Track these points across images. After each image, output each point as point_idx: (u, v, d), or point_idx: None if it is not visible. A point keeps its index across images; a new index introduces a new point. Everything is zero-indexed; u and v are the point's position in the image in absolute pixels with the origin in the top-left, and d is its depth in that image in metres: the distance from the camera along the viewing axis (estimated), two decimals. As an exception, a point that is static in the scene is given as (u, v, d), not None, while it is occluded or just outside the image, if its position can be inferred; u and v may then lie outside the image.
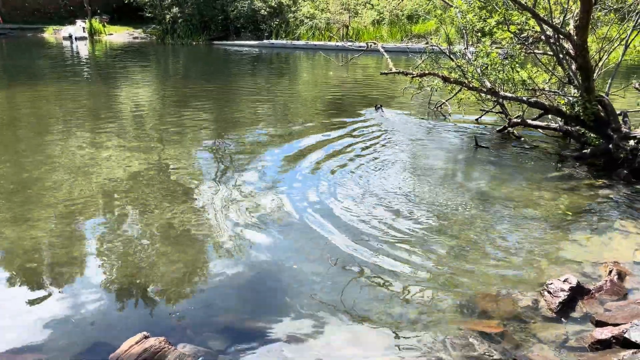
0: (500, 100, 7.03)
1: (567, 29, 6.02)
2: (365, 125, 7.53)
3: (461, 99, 7.68)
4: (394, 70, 6.40)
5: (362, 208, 4.33)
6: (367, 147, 6.22)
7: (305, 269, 3.39)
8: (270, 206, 4.32)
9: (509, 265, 3.50)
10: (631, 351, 2.43)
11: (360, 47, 17.48)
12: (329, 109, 8.60)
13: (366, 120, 8.01)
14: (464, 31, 7.48)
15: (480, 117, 7.82)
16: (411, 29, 21.39)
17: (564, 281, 3.09)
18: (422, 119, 8.04)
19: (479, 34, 7.52)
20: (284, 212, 4.21)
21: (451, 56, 7.30)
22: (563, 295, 3.01)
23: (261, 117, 7.80)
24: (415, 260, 3.55)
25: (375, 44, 8.13)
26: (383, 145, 6.36)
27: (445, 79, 6.29)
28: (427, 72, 6.41)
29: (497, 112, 7.61)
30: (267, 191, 4.64)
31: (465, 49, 7.28)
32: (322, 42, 22.17)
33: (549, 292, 3.08)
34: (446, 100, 8.29)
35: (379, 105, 9.11)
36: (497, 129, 7.11)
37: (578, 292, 3.08)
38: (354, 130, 7.18)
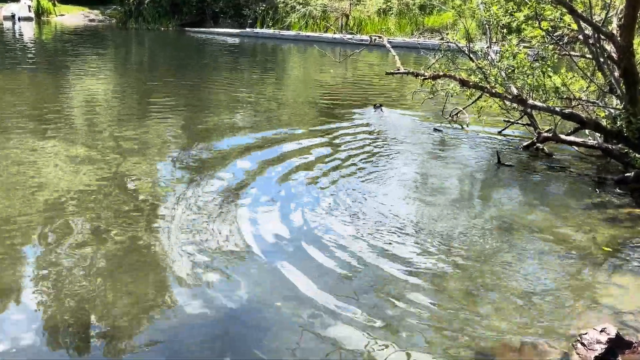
0: (529, 110, 7.11)
1: (610, 28, 6.13)
2: (361, 130, 7.71)
3: (482, 107, 7.75)
4: (402, 70, 6.49)
5: (357, 236, 4.33)
6: (362, 159, 6.31)
7: (288, 308, 3.37)
8: (246, 231, 4.31)
9: (535, 310, 3.50)
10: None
11: (362, 40, 17.65)
12: (321, 114, 8.70)
13: (363, 123, 8.12)
14: (486, 26, 7.59)
15: (504, 130, 7.90)
16: (423, 21, 21.72)
17: (601, 331, 3.09)
18: (433, 125, 8.13)
19: (505, 31, 7.63)
20: (262, 238, 4.20)
21: (471, 56, 7.39)
22: (600, 349, 3.01)
23: (240, 122, 7.86)
24: (421, 301, 3.53)
25: (380, 37, 8.22)
26: (382, 157, 6.44)
27: (464, 83, 6.36)
28: (441, 73, 6.47)
29: (524, 125, 7.69)
30: (243, 212, 4.66)
31: (487, 47, 7.38)
32: (316, 34, 22.39)
33: (583, 344, 3.08)
34: (463, 108, 8.37)
35: (378, 105, 9.18)
36: (524, 144, 7.17)
37: (617, 345, 3.07)
38: (348, 135, 7.33)
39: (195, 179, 5.39)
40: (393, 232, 4.43)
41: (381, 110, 9.10)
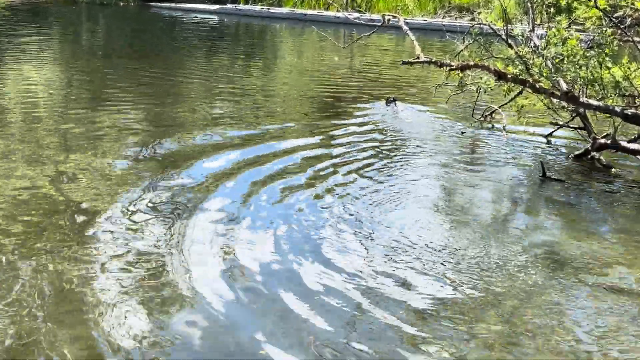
0: (581, 110, 7.10)
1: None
2: (369, 129, 7.90)
3: (522, 106, 7.75)
4: (422, 58, 6.47)
5: (364, 266, 4.29)
6: (370, 167, 6.35)
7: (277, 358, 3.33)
8: (222, 257, 4.27)
9: (589, 364, 3.52)
10: None
11: (372, 21, 17.71)
12: (320, 109, 8.84)
13: (371, 121, 8.16)
14: (528, 4, 7.62)
15: (550, 134, 7.91)
16: (450, -4, 21.91)
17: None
18: (459, 125, 8.15)
19: (552, 10, 7.66)
20: (242, 268, 4.15)
21: (509, 41, 7.41)
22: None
23: (217, 116, 7.98)
24: (448, 349, 3.50)
25: (395, 17, 8.23)
26: (396, 166, 6.48)
27: (500, 75, 6.37)
28: (472, 63, 6.48)
29: (575, 128, 7.70)
30: (217, 230, 4.65)
31: (530, 31, 7.41)
32: (315, 12, 22.51)
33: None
34: (500, 107, 8.37)
35: (391, 99, 9.29)
36: (576, 152, 7.15)
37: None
38: (353, 135, 7.49)
39: (155, 182, 5.44)
40: (411, 263, 4.38)
41: (395, 105, 9.11)
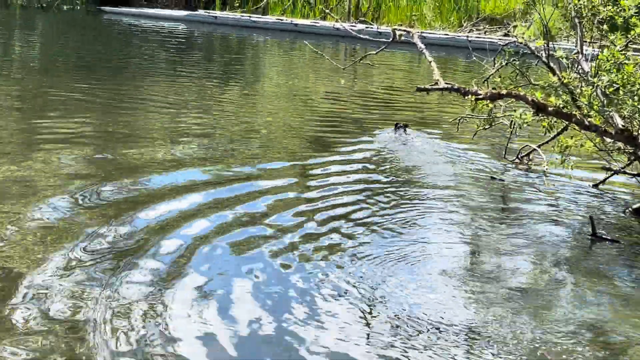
0: (641, 152, 7.10)
1: None
2: (369, 164, 8.03)
3: (567, 146, 7.74)
4: (442, 84, 6.47)
5: (360, 355, 4.22)
6: (371, 217, 6.38)
7: None
8: (187, 330, 4.24)
9: None
10: None
11: (380, 34, 17.88)
12: (311, 144, 9.16)
13: (378, 150, 8.17)
14: (576, 20, 7.67)
15: (602, 182, 7.85)
16: (478, 6, 22.08)
17: None
18: (488, 166, 8.11)
19: (604, 27, 7.72)
20: (210, 347, 4.12)
21: (551, 64, 7.45)
22: None
23: (180, 155, 8.07)
24: None
25: (408, 32, 8.27)
26: (403, 216, 6.48)
27: (540, 107, 6.37)
28: (504, 91, 6.50)
29: (634, 175, 7.72)
30: (180, 295, 4.63)
31: (577, 52, 7.44)
32: (309, 22, 22.73)
33: None
34: (539, 146, 8.38)
35: (400, 125, 9.50)
36: (634, 205, 7.13)
37: None
38: (347, 175, 7.62)
39: (94, 235, 5.45)
40: (424, 350, 4.30)
41: (405, 132, 9.13)
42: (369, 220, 6.30)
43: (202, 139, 8.85)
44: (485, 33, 19.68)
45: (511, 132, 8.57)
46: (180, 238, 5.58)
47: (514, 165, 8.44)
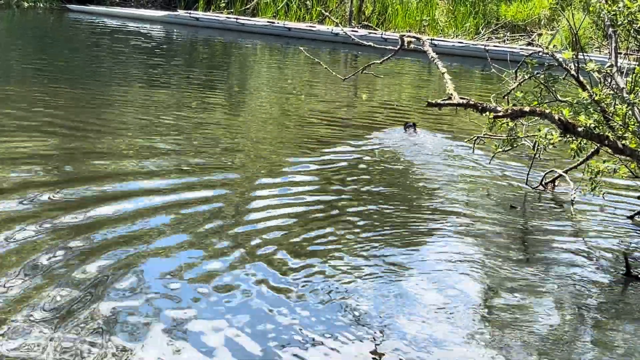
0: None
1: None
2: (377, 166, 7.71)
3: (599, 172, 7.73)
4: (456, 99, 6.48)
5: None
6: (373, 239, 6.44)
7: None
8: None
9: None
10: None
11: (386, 41, 17.93)
12: (303, 154, 8.82)
13: (382, 150, 8.05)
14: (610, 29, 7.70)
15: (638, 214, 7.88)
16: (496, 11, 22.12)
17: None
18: (506, 188, 8.22)
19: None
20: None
21: (580, 78, 7.47)
22: None
23: (156, 166, 8.10)
24: None
25: (418, 39, 8.30)
26: (412, 249, 6.49)
27: (567, 127, 6.39)
28: (527, 108, 6.51)
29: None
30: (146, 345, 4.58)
31: (610, 66, 7.45)
32: (305, 25, 22.78)
33: None
34: (566, 171, 8.38)
35: (410, 124, 9.76)
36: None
37: None
38: (353, 183, 7.76)
39: (54, 246, 5.54)
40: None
41: (414, 131, 9.17)
42: (372, 253, 6.26)
43: (176, 155, 8.80)
44: (505, 42, 19.71)
45: (534, 155, 8.57)
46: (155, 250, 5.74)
47: (537, 193, 8.44)
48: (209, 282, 5.46)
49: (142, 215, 6.61)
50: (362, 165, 8.65)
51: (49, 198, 6.89)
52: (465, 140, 10.07)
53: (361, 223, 6.90)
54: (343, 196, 7.70)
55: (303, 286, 5.48)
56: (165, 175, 7.91)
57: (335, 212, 7.22)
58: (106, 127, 9.80)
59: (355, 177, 8.22)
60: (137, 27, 21.13)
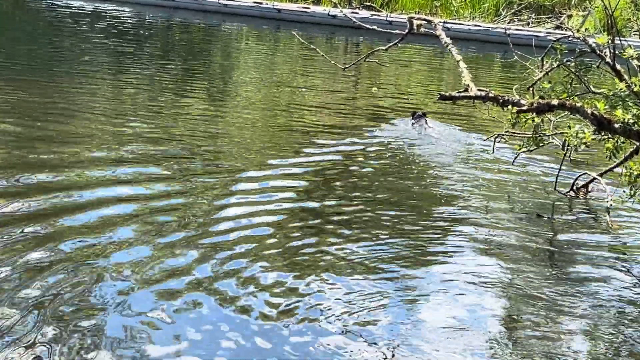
0: None
1: None
2: (380, 167, 7.76)
3: (638, 175, 7.71)
4: (473, 91, 6.50)
5: None
6: (383, 256, 6.45)
7: None
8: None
9: None
10: None
11: (392, 24, 17.89)
12: (299, 145, 8.80)
13: (387, 148, 8.07)
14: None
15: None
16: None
17: None
18: (532, 193, 8.22)
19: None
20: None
21: (617, 67, 7.47)
22: None
23: (126, 166, 8.19)
24: None
25: (429, 22, 8.30)
26: (427, 263, 6.53)
27: (602, 123, 6.39)
28: (555, 101, 6.52)
29: None
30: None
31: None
32: (297, 6, 22.77)
33: None
34: (600, 175, 8.38)
35: (419, 114, 9.92)
36: None
37: None
38: (352, 187, 7.66)
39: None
40: None
41: (425, 122, 9.22)
42: (377, 269, 6.28)
43: (146, 160, 8.84)
44: (529, 25, 19.74)
45: (564, 155, 8.57)
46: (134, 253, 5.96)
47: (567, 199, 8.43)
48: (172, 300, 5.52)
49: (105, 224, 6.68)
50: (362, 166, 8.63)
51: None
52: (484, 137, 10.07)
53: (362, 235, 6.91)
54: (340, 202, 7.69)
55: (293, 309, 5.50)
56: (133, 180, 7.97)
57: (331, 221, 7.21)
58: (67, 131, 9.75)
59: (354, 180, 8.21)
60: (103, 9, 21.13)
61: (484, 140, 9.84)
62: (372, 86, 13.98)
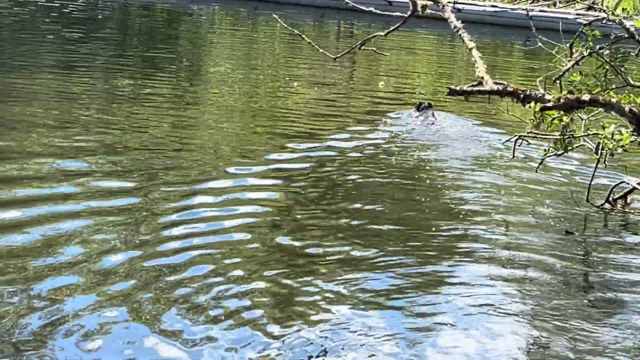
0: None
1: None
2: (379, 170, 7.72)
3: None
4: (489, 85, 6.44)
5: None
6: (387, 278, 6.59)
7: None
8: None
9: None
10: None
11: (392, 4, 17.91)
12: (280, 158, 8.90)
13: (387, 146, 8.04)
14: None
15: None
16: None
17: None
18: (560, 205, 8.23)
19: None
20: None
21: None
22: None
23: (78, 164, 7.92)
24: None
25: (436, 2, 8.26)
26: (433, 274, 6.73)
27: (640, 122, 6.34)
28: (586, 96, 6.46)
29: None
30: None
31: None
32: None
33: None
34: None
35: (425, 105, 10.37)
36: None
37: None
38: (347, 194, 7.58)
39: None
40: None
41: (432, 114, 9.19)
42: (380, 291, 6.36)
43: (100, 159, 9.06)
44: (556, 5, 19.86)
45: (598, 160, 8.52)
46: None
47: (601, 213, 8.37)
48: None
49: (50, 238, 6.72)
50: (359, 171, 8.59)
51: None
52: (503, 133, 10.05)
53: (360, 253, 6.93)
54: (331, 207, 7.66)
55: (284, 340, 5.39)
56: (79, 194, 7.93)
57: (323, 231, 7.20)
58: (7, 124, 9.77)
59: (349, 186, 8.19)
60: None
61: (503, 142, 9.78)
62: (371, 78, 13.97)
